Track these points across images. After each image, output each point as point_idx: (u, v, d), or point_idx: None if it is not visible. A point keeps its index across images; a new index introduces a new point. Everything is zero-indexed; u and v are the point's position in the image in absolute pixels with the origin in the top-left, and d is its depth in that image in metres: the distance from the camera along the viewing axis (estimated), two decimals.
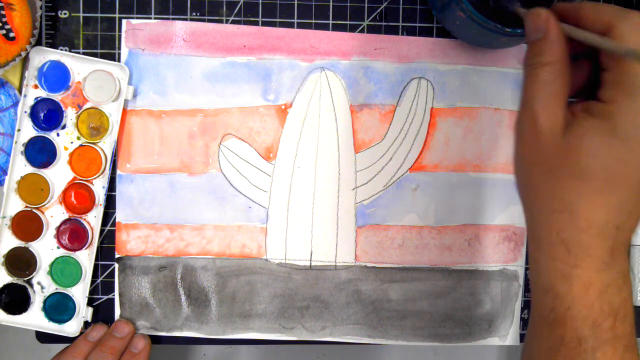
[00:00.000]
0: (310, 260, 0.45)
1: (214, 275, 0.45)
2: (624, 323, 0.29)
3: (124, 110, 0.43)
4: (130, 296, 0.45)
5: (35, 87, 0.42)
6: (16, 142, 0.42)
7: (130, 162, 0.44)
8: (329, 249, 0.45)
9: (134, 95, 0.43)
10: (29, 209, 0.43)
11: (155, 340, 0.45)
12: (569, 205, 0.29)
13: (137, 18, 0.43)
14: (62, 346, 0.44)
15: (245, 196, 0.44)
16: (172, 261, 0.45)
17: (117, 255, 0.44)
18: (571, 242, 0.29)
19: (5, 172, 0.43)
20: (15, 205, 0.43)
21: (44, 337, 0.45)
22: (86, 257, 0.44)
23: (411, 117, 0.44)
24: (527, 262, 0.46)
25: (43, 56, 0.42)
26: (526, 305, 0.46)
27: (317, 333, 0.45)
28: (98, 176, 0.43)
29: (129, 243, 0.44)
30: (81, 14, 0.43)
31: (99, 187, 0.43)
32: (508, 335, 0.46)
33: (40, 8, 0.42)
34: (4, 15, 0.39)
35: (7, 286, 0.43)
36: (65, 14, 0.43)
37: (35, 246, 0.43)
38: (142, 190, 0.44)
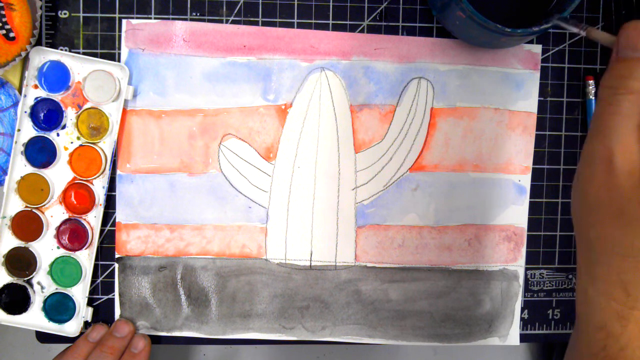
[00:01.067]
0: (310, 260, 0.45)
1: (214, 275, 0.45)
2: None
3: (124, 110, 0.43)
4: (130, 296, 0.45)
5: (35, 87, 0.42)
6: (16, 142, 0.42)
7: (130, 162, 0.44)
8: (329, 249, 0.45)
9: (134, 95, 0.43)
10: (29, 209, 0.43)
11: (155, 340, 0.45)
12: (636, 251, 0.28)
13: (137, 18, 0.43)
14: (62, 346, 0.44)
15: (245, 196, 0.44)
16: (172, 261, 0.45)
17: (117, 255, 0.44)
18: (631, 285, 0.28)
19: (5, 172, 0.43)
20: (15, 205, 0.43)
21: (44, 337, 0.45)
22: (86, 257, 0.44)
23: (411, 117, 0.44)
24: (527, 262, 0.46)
25: (43, 56, 0.42)
26: (526, 305, 0.46)
27: (317, 333, 0.45)
28: (98, 176, 0.43)
29: (129, 243, 0.44)
30: (81, 14, 0.43)
31: (99, 187, 0.43)
32: (508, 335, 0.46)
33: (40, 8, 0.42)
34: (4, 15, 0.39)
35: (7, 286, 0.43)
36: (65, 14, 0.43)
37: (35, 246, 0.43)
38: (142, 190, 0.44)
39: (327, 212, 0.45)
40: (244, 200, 0.44)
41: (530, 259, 0.46)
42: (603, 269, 0.29)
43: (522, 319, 0.46)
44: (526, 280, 0.46)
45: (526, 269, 0.46)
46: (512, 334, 0.46)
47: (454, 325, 0.46)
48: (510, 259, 0.46)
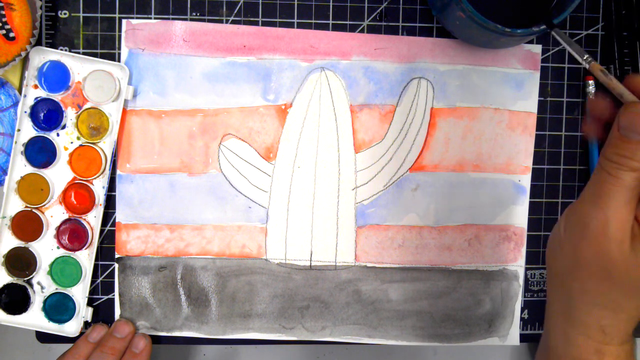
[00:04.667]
0: (310, 260, 0.45)
1: (214, 275, 0.45)
2: None
3: (124, 110, 0.43)
4: (130, 296, 0.45)
5: (35, 87, 0.42)
6: (16, 142, 0.42)
7: (130, 162, 0.44)
8: (329, 249, 0.45)
9: (134, 95, 0.43)
10: (29, 209, 0.43)
11: (155, 340, 0.45)
12: (615, 305, 0.31)
13: (137, 18, 0.43)
14: (62, 346, 0.44)
15: (245, 196, 0.44)
16: (172, 261, 0.45)
17: (117, 256, 0.44)
18: (609, 328, 0.31)
19: (5, 172, 0.43)
20: (15, 205, 0.43)
21: (44, 337, 0.45)
22: (86, 257, 0.44)
23: (411, 117, 0.44)
24: (527, 262, 0.46)
25: (43, 56, 0.42)
26: (526, 305, 0.46)
27: (317, 333, 0.45)
28: (98, 176, 0.43)
29: (129, 243, 0.44)
30: (81, 14, 0.43)
31: (99, 187, 0.43)
32: (508, 335, 0.46)
33: (40, 8, 0.42)
34: (4, 15, 0.39)
35: (7, 286, 0.43)
36: (65, 14, 0.43)
37: (35, 246, 0.43)
38: (142, 190, 0.44)
39: (327, 212, 0.45)
40: (244, 200, 0.44)
41: (530, 259, 0.46)
42: (582, 315, 0.32)
43: (522, 319, 0.46)
44: (526, 280, 0.46)
45: (526, 269, 0.46)
46: (512, 334, 0.46)
47: (454, 325, 0.46)
48: (510, 259, 0.46)
